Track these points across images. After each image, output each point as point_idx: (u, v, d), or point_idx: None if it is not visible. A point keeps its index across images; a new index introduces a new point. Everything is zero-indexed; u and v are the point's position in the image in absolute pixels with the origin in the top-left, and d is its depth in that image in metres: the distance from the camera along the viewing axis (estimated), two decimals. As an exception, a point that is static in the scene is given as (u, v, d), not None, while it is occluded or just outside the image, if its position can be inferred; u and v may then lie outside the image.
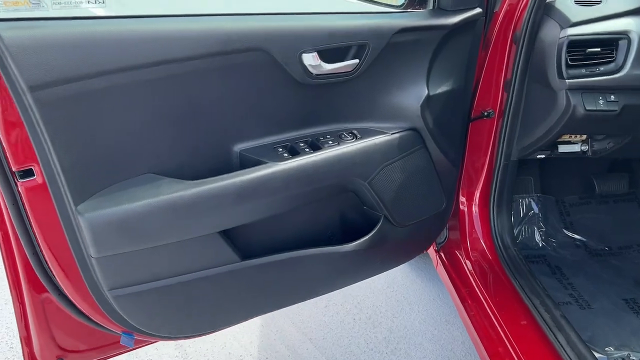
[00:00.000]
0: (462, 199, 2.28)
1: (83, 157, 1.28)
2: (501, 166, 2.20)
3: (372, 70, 1.74)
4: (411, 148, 1.90)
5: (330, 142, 1.75)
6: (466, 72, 1.94)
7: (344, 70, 1.69)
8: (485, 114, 2.14)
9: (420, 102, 1.85)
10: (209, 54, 1.43)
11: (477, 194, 2.23)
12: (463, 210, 2.28)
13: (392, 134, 1.86)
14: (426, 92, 1.86)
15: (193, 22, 1.45)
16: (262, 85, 1.60)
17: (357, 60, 1.70)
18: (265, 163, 1.62)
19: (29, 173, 1.28)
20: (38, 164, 1.23)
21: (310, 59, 1.60)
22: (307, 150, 1.70)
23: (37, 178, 1.25)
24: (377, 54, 1.70)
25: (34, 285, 1.39)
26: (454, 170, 2.10)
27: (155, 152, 1.46)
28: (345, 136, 1.79)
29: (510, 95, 2.06)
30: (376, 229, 1.82)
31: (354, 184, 1.81)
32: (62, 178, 1.25)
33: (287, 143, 1.71)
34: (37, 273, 1.35)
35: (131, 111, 1.37)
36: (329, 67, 1.65)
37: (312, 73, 1.64)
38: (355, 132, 1.82)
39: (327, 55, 1.65)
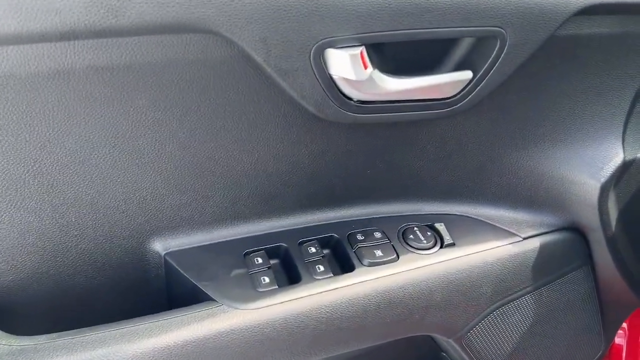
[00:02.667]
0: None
1: None
2: None
3: (500, 96, 0.74)
4: (563, 269, 0.88)
5: (379, 251, 0.77)
6: None
7: (433, 96, 0.70)
8: None
9: (603, 175, 0.81)
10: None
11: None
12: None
13: (524, 238, 0.84)
14: (620, 154, 0.81)
15: None
16: (221, 114, 0.66)
17: (468, 74, 0.69)
18: (212, 303, 0.68)
19: None
20: None
21: (347, 62, 0.62)
22: (320, 268, 0.74)
23: None
24: (520, 62, 0.69)
25: None
26: (633, 300, 1.03)
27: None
28: (417, 237, 0.80)
29: None
30: None
31: (428, 342, 0.82)
32: None
33: (276, 244, 0.76)
34: None
35: None
36: (394, 84, 0.66)
37: (348, 97, 0.66)
38: (439, 227, 0.82)
39: (391, 60, 0.67)
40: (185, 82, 0.61)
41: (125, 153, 0.64)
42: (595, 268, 0.93)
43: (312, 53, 0.60)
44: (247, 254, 0.74)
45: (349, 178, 0.78)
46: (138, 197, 0.68)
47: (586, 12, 0.69)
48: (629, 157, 0.83)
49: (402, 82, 0.67)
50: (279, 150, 0.71)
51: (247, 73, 0.62)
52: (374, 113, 0.68)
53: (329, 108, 0.66)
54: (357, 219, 0.81)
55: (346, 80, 0.64)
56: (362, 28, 0.61)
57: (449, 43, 0.69)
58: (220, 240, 0.75)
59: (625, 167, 0.83)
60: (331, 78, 0.64)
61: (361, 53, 0.62)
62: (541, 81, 0.75)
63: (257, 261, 0.73)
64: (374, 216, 0.82)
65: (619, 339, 1.28)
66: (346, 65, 0.62)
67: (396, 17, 0.62)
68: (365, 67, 0.63)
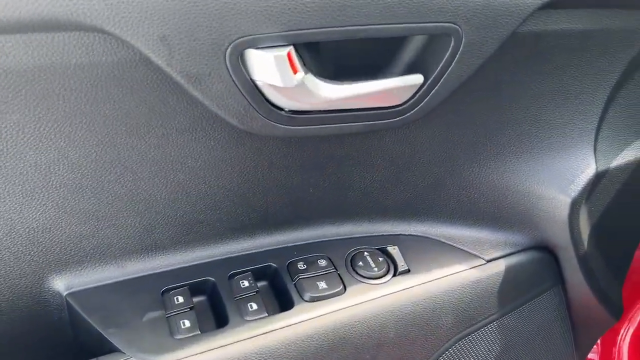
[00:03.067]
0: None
1: None
2: None
3: (456, 103, 0.64)
4: (531, 292, 0.79)
5: (323, 282, 0.67)
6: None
7: (380, 104, 0.60)
8: None
9: (574, 189, 0.72)
10: None
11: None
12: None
13: (487, 261, 0.75)
14: (592, 165, 0.73)
15: None
16: (121, 128, 0.55)
17: (419, 78, 0.59)
18: (119, 355, 0.57)
19: None
20: None
21: (271, 66, 0.51)
22: (253, 307, 0.63)
23: None
24: (479, 63, 0.59)
25: None
26: (607, 319, 0.96)
27: None
28: (367, 264, 0.70)
29: None
30: None
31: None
32: None
33: (200, 278, 0.65)
34: None
35: None
36: (333, 90, 0.56)
37: (277, 106, 0.55)
38: (392, 251, 0.72)
39: (328, 63, 0.56)
40: (69, 90, 0.49)
41: (4, 177, 0.53)
42: (567, 288, 0.84)
43: (227, 54, 0.49)
44: (165, 291, 0.63)
45: (288, 198, 0.67)
46: (26, 228, 0.56)
47: (552, 5, 0.60)
48: (602, 167, 0.74)
49: (342, 89, 0.56)
50: (200, 169, 0.60)
51: (149, 79, 0.51)
52: (310, 125, 0.58)
53: (255, 120, 0.55)
54: (299, 245, 0.71)
55: (273, 86, 0.53)
56: (290, 24, 0.50)
57: (395, 42, 0.59)
58: (133, 276, 0.63)
59: (598, 179, 0.74)
60: (254, 84, 0.53)
61: (289, 54, 0.52)
62: (503, 85, 0.66)
63: (177, 300, 0.62)
64: (319, 240, 0.72)
65: (592, 354, 1.20)
66: (271, 69, 0.52)
67: (332, 12, 0.51)
68: (295, 71, 0.53)
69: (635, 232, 0.88)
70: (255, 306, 0.62)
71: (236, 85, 0.52)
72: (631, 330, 1.20)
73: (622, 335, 1.20)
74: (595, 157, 0.73)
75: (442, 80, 0.60)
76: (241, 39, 0.49)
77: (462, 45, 0.58)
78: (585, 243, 0.77)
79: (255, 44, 0.50)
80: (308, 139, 0.62)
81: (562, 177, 0.72)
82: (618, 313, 0.95)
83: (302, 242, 0.71)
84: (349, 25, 0.53)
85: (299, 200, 0.68)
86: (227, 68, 0.50)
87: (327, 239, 0.72)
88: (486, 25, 0.58)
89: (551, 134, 0.72)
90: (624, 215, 0.83)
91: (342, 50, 0.58)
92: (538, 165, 0.72)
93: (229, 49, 0.49)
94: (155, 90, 0.52)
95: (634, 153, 0.78)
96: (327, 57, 0.57)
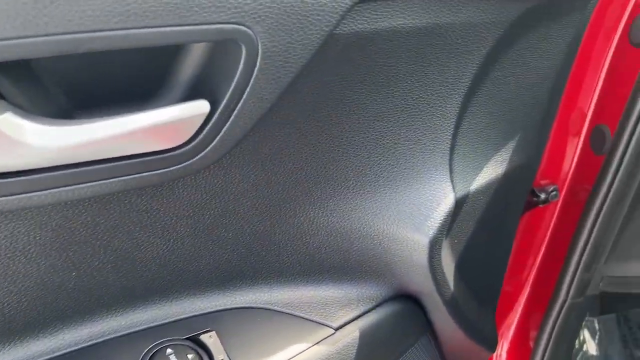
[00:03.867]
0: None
1: None
2: (565, 308, 0.99)
3: (265, 134, 0.46)
4: (396, 350, 0.64)
5: None
6: (543, 122, 0.70)
7: (144, 148, 0.39)
8: (543, 196, 0.88)
9: (431, 226, 0.58)
10: None
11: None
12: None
13: (336, 329, 0.59)
14: (449, 193, 0.59)
15: None
16: None
17: (203, 106, 0.40)
18: None
19: None
20: None
21: None
22: None
23: None
24: (287, 80, 0.41)
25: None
26: (484, 355, 0.85)
27: None
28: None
29: (615, 163, 0.81)
30: None
31: None
32: None
33: None
34: None
35: None
36: (53, 135, 0.34)
37: None
38: (207, 341, 0.53)
39: (48, 92, 0.36)
40: None
41: None
42: (437, 335, 0.71)
43: None
44: None
45: (46, 288, 0.45)
46: None
47: None
48: (461, 193, 0.61)
49: (75, 131, 0.36)
50: None
51: None
52: (17, 193, 0.37)
53: None
54: (70, 352, 0.49)
55: None
56: None
57: (160, 56, 0.40)
58: None
59: (458, 208, 0.61)
60: None
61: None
62: (328, 104, 0.50)
63: None
64: (102, 339, 0.51)
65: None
66: None
67: (30, 10, 0.31)
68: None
69: (501, 257, 0.78)
70: None
71: None
72: (506, 346, 1.13)
73: (498, 353, 1.12)
74: (453, 182, 0.60)
75: (239, 106, 0.41)
76: None
77: (259, 56, 0.40)
78: (451, 284, 0.64)
79: None
80: (39, 210, 0.41)
81: (416, 213, 0.57)
82: (493, 345, 0.85)
83: (74, 349, 0.49)
84: (82, 32, 0.33)
85: (60, 291, 0.47)
86: None
87: (113, 336, 0.51)
88: (289, 27, 0.40)
89: (398, 160, 0.57)
90: (489, 242, 0.71)
91: (77, 70, 0.38)
92: (386, 200, 0.57)
93: None
94: None
95: (494, 169, 0.66)
96: (51, 82, 0.37)
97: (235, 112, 0.42)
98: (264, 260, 0.56)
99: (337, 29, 0.44)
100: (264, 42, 0.40)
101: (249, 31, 0.39)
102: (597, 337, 1.77)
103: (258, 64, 0.40)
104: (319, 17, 0.41)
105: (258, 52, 0.40)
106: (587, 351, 1.75)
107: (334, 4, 0.42)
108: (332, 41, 0.44)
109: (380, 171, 0.56)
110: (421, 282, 0.61)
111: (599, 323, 1.76)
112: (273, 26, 0.40)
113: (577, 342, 1.81)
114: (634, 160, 0.76)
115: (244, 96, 0.41)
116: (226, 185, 0.49)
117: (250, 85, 0.41)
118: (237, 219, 0.52)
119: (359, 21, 0.45)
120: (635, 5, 0.69)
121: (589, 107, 0.82)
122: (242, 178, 0.49)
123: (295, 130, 0.49)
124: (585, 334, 1.76)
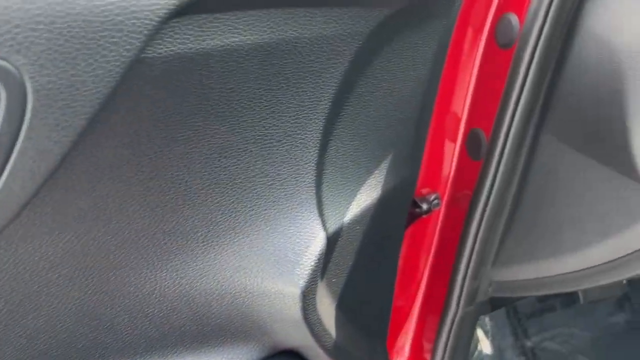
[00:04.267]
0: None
1: None
2: (457, 318, 0.96)
3: (65, 194, 0.35)
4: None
5: None
6: (417, 135, 0.65)
7: None
8: (425, 207, 0.84)
9: (301, 275, 0.49)
10: None
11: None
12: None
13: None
14: (319, 232, 0.50)
15: None
16: None
17: None
18: None
19: None
20: None
21: None
22: None
23: None
24: (85, 121, 0.30)
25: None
26: None
27: None
28: None
29: (493, 167, 0.78)
30: None
31: None
32: None
33: None
34: None
35: None
36: None
37: None
38: None
39: None
40: None
41: None
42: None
43: None
44: None
45: None
46: None
47: (196, 9, 0.35)
48: (333, 228, 0.53)
49: None
50: None
51: None
52: None
53: None
54: None
55: None
56: None
57: None
58: None
59: (331, 245, 0.53)
60: None
61: None
62: (149, 146, 0.39)
63: None
64: None
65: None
66: None
67: None
68: None
69: (387, 282, 0.72)
70: None
71: None
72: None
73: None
74: (322, 217, 0.52)
75: (9, 165, 0.30)
76: None
77: (29, 95, 0.29)
78: (332, 331, 0.56)
79: None
80: None
81: (282, 261, 0.49)
82: None
83: None
84: None
85: None
86: None
87: None
88: (71, 54, 0.30)
89: (255, 201, 0.48)
90: (371, 271, 0.65)
91: None
92: (245, 250, 0.48)
93: None
94: None
95: (368, 195, 0.59)
96: None
97: (6, 173, 0.30)
98: (98, 345, 0.44)
99: (148, 52, 0.34)
100: (34, 76, 0.29)
101: (6, 64, 0.28)
102: (489, 334, 1.82)
103: (30, 106, 0.29)
104: (115, 40, 0.31)
105: (26, 90, 0.29)
106: (481, 350, 1.79)
107: (134, 21, 0.32)
108: (144, 67, 0.34)
109: (236, 216, 0.47)
110: (299, 337, 0.52)
111: (490, 320, 1.80)
112: (44, 55, 0.29)
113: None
114: (510, 163, 0.74)
115: (14, 152, 0.30)
116: (22, 261, 0.37)
117: (22, 136, 0.30)
118: (48, 300, 0.40)
119: (178, 40, 0.36)
120: (498, 7, 0.66)
121: (463, 111, 0.79)
122: (46, 248, 0.37)
123: (113, 180, 0.38)
124: (479, 332, 1.80)
